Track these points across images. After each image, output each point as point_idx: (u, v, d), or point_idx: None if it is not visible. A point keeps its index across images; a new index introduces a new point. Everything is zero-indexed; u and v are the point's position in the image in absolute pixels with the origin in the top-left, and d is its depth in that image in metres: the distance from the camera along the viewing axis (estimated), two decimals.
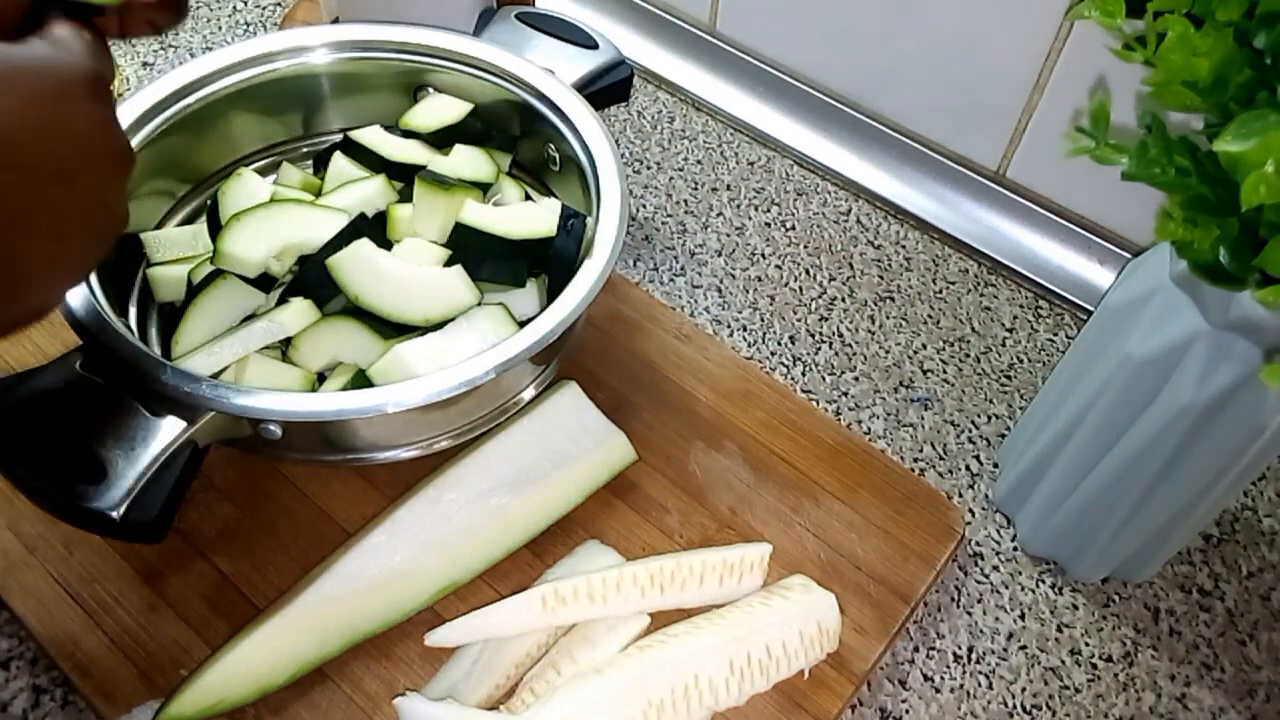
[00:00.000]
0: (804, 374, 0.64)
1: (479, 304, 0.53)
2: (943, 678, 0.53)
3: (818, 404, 0.63)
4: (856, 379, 0.64)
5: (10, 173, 0.31)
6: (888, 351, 0.66)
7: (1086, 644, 0.54)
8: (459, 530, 0.51)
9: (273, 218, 0.54)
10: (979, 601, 0.56)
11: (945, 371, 0.65)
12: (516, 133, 0.61)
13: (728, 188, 0.75)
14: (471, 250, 0.54)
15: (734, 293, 0.68)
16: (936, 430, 0.62)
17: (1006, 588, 0.56)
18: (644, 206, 0.73)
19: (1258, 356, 0.42)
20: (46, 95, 0.32)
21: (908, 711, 0.51)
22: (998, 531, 0.58)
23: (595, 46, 0.63)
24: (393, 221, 0.56)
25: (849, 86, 0.76)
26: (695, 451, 0.57)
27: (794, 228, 0.72)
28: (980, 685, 0.53)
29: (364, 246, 0.53)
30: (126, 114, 0.55)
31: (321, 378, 0.53)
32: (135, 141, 0.55)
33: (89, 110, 0.34)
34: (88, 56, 0.34)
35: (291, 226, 0.54)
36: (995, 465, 0.61)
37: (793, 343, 0.66)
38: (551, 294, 0.53)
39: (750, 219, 0.73)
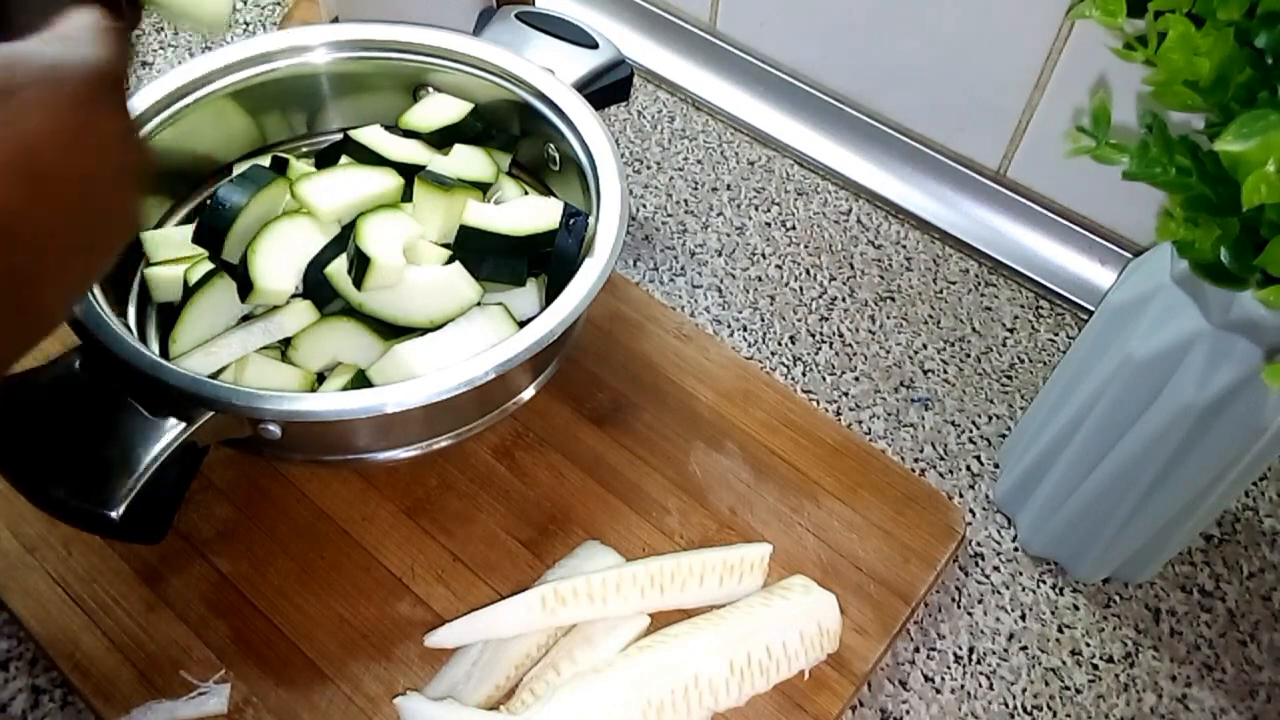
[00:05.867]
0: (804, 374, 0.64)
1: (479, 303, 0.53)
2: (943, 678, 0.53)
3: (818, 404, 0.63)
4: (857, 379, 0.64)
5: (21, 189, 0.28)
6: (888, 351, 0.66)
7: (1087, 644, 0.54)
8: None
9: (287, 235, 0.53)
10: (980, 602, 0.56)
11: (946, 371, 0.65)
12: (516, 133, 0.61)
13: (728, 187, 0.74)
14: (473, 249, 0.54)
15: (734, 293, 0.68)
16: (937, 430, 0.62)
17: (1007, 588, 0.56)
18: (644, 206, 0.73)
19: (1258, 356, 0.42)
20: (62, 102, 0.29)
21: (908, 712, 0.51)
22: (998, 532, 0.58)
23: (595, 46, 0.63)
24: None
25: (849, 86, 0.76)
26: (695, 451, 0.57)
27: (794, 227, 0.72)
28: (981, 686, 0.53)
29: None
30: None
31: (321, 378, 0.53)
32: None
33: (108, 116, 0.31)
34: (106, 52, 0.31)
35: (308, 243, 0.54)
36: (996, 465, 0.61)
37: (793, 343, 0.66)
38: (551, 294, 0.53)
39: (750, 219, 0.73)
